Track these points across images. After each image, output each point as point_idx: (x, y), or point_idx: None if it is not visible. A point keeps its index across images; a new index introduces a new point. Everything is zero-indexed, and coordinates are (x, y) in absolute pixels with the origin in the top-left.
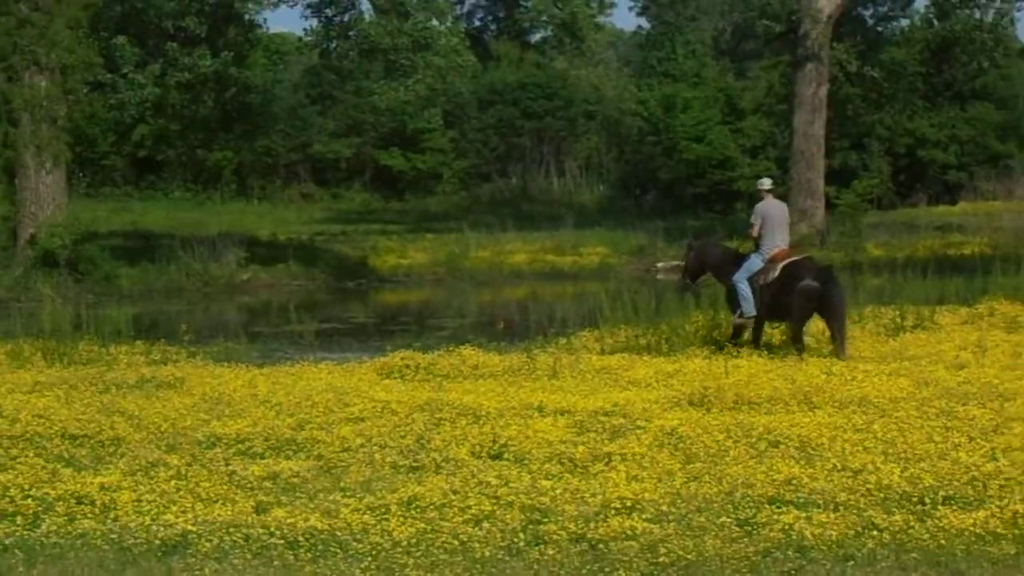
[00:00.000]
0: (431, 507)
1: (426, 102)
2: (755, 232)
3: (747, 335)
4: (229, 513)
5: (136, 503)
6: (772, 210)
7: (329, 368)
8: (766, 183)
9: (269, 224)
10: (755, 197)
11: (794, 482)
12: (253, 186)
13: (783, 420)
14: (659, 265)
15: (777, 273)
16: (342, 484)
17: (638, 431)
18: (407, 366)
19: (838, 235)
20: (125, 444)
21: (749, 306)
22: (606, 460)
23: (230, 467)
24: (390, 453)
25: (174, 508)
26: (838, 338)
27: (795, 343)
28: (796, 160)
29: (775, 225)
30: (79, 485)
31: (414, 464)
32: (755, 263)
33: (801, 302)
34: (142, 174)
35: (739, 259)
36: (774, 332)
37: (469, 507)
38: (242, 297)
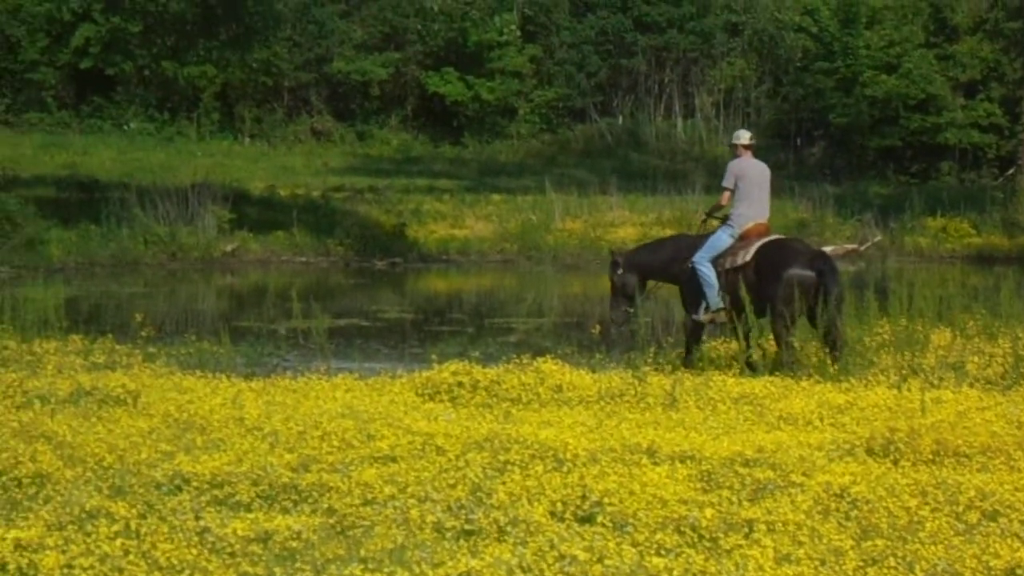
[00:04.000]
0: None
1: (497, 3)
2: (726, 200)
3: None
4: None
5: (66, 570)
6: (750, 171)
7: (348, 384)
8: (744, 136)
9: (265, 173)
10: (933, 149)
11: (1021, 572)
12: (244, 117)
13: (1006, 481)
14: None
15: (750, 256)
16: (363, 552)
17: (793, 490)
18: (459, 384)
19: None
20: (52, 484)
21: (714, 294)
22: (745, 530)
23: (201, 522)
24: (433, 509)
25: None
26: (836, 348)
27: (784, 352)
28: None
29: (752, 190)
30: None
31: (467, 527)
32: (722, 239)
33: (789, 294)
34: (84, 95)
35: (701, 241)
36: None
37: None
38: (224, 277)
